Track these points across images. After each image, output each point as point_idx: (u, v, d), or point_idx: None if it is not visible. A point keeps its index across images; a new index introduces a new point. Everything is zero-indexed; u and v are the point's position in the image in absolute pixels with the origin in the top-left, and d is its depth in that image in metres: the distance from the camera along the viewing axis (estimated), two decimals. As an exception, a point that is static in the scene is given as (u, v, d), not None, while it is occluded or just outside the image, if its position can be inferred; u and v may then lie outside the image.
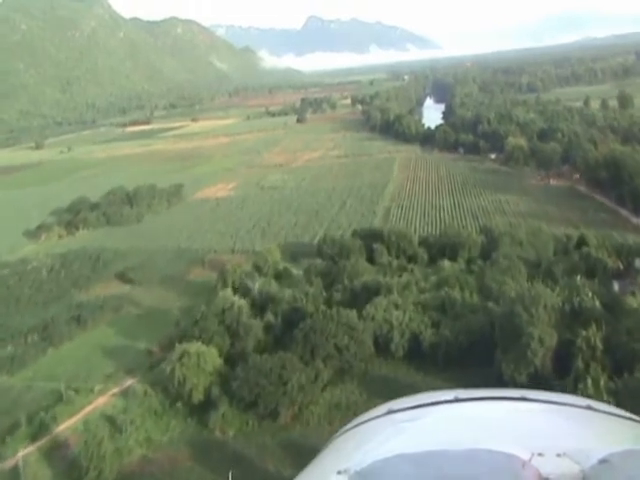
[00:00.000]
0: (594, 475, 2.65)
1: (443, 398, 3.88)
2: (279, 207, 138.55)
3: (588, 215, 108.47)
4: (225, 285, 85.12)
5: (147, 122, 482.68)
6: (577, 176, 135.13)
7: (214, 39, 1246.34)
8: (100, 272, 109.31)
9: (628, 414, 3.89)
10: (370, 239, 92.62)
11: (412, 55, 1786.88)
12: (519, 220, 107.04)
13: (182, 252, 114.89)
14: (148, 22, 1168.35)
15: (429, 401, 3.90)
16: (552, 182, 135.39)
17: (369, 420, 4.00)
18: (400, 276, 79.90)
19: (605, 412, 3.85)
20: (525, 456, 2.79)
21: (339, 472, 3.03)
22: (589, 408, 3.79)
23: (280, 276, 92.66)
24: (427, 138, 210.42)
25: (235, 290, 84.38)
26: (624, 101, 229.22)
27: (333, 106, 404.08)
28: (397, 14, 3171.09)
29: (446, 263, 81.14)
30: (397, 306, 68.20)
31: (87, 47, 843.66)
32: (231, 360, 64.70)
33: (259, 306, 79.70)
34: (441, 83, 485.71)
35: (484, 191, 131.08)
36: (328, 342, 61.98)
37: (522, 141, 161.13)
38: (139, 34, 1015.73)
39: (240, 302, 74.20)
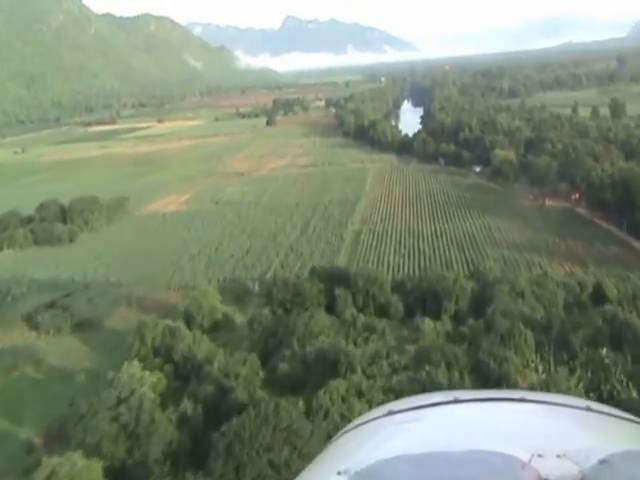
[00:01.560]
0: (594, 476, 2.71)
1: (443, 399, 3.81)
2: (232, 228, 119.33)
3: (596, 248, 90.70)
4: (143, 343, 65.94)
5: (112, 122, 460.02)
6: (576, 196, 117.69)
7: (188, 37, 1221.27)
8: (5, 312, 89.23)
9: (628, 415, 3.74)
10: (332, 281, 73.83)
11: (390, 57, 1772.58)
12: (514, 254, 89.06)
13: (110, 285, 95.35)
14: (121, 18, 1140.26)
15: (429, 402, 3.83)
16: (547, 203, 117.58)
17: (369, 421, 3.89)
18: (367, 339, 61.36)
19: (605, 413, 3.72)
20: (525, 457, 2.83)
21: (339, 473, 3.04)
22: (588, 409, 3.69)
23: (217, 327, 73.76)
24: (404, 146, 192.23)
25: (155, 352, 65.39)
26: (616, 109, 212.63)
27: (306, 108, 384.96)
28: (375, 15, 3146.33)
29: (427, 323, 62.21)
30: (361, 394, 49.65)
31: (55, 42, 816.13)
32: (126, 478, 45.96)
33: (184, 377, 61.03)
34: (419, 86, 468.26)
35: (470, 213, 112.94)
36: (260, 457, 43.20)
37: (511, 154, 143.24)
38: (111, 30, 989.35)
39: (151, 379, 55.07)
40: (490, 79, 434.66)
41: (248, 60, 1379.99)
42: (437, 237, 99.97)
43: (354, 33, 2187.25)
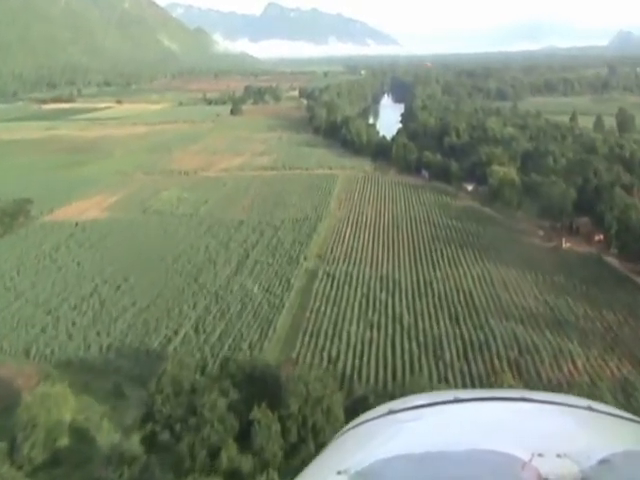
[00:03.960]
0: (594, 476, 2.72)
1: (443, 398, 3.71)
2: (150, 253, 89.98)
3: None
4: None
5: (71, 100, 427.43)
6: (600, 237, 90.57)
7: (165, 16, 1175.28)
8: None
9: (629, 415, 3.65)
10: (252, 388, 45.45)
11: (371, 50, 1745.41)
12: (531, 333, 60.80)
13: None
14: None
15: (429, 401, 3.71)
16: (565, 244, 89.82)
17: (369, 420, 3.76)
18: None
19: (605, 413, 3.62)
20: (525, 456, 2.83)
21: (339, 472, 3.05)
22: (589, 409, 3.61)
23: (60, 460, 44.87)
24: (381, 150, 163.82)
25: None
26: (624, 122, 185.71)
27: (277, 98, 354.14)
28: (358, 8, 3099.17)
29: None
30: None
31: (22, 12, 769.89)
32: None
33: None
34: (400, 81, 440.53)
35: (464, 254, 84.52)
36: None
37: (512, 171, 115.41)
38: (82, 4, 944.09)
39: None
40: (475, 79, 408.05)
41: (227, 44, 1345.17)
42: (420, 293, 71.39)
43: (337, 24, 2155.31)
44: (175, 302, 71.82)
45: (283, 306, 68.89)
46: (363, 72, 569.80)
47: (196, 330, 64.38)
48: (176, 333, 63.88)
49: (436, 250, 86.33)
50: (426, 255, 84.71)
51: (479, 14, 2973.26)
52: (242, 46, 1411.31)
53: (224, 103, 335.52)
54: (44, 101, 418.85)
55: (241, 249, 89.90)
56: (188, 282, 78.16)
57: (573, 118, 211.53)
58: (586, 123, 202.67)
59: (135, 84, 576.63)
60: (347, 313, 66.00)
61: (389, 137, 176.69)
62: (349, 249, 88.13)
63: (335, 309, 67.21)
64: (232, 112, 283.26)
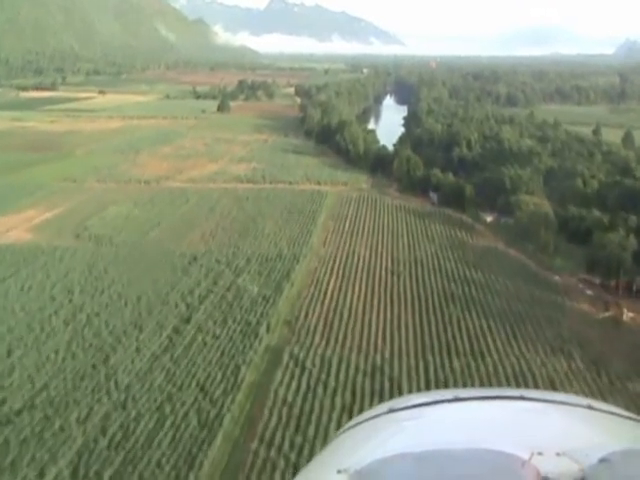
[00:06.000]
0: (594, 474, 2.75)
1: (443, 397, 3.89)
2: (55, 309, 65.00)
3: None
4: None
5: (53, 88, 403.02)
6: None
7: (162, 5, 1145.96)
8: None
9: (628, 413, 3.83)
10: None
11: (375, 49, 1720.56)
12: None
13: None
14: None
15: (429, 400, 3.88)
16: (626, 315, 65.70)
17: (370, 419, 3.90)
18: None
19: (605, 411, 3.79)
20: (525, 455, 2.87)
21: (339, 471, 3.08)
22: (589, 407, 3.76)
23: None
24: (381, 162, 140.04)
25: None
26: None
27: (270, 94, 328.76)
28: (363, 6, 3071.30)
29: None
30: None
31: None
32: None
33: None
34: (404, 81, 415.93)
35: (492, 330, 59.39)
36: None
37: (545, 204, 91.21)
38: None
39: None
40: (483, 82, 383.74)
41: (227, 37, 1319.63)
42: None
43: (341, 21, 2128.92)
44: (62, 404, 47.41)
45: (220, 424, 44.51)
46: (365, 70, 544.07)
47: (75, 470, 40.08)
48: (42, 475, 39.61)
49: (451, 321, 61.80)
50: (438, 329, 60.12)
51: (483, 17, 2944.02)
52: (243, 39, 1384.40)
53: (214, 98, 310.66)
54: (24, 88, 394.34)
55: (183, 305, 65.42)
56: (94, 363, 53.71)
57: (597, 131, 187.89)
58: (609, 136, 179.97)
59: (126, 74, 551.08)
60: (316, 446, 41.57)
61: (390, 142, 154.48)
62: (330, 314, 63.35)
63: (299, 438, 42.78)
64: (219, 108, 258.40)
